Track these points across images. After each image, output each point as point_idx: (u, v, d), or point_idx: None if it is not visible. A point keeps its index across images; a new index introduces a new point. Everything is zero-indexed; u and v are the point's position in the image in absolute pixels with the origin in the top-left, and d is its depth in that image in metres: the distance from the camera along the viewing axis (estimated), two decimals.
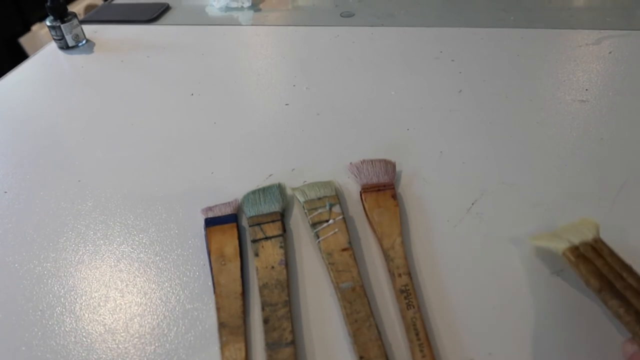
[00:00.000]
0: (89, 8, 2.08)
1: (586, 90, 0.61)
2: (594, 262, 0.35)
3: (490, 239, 0.43)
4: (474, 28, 0.76)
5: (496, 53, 0.70)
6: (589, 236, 0.38)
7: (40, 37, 1.89)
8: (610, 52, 0.67)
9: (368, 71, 0.68)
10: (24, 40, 1.87)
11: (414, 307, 0.37)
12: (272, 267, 0.41)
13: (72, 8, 1.97)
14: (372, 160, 0.51)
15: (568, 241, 0.38)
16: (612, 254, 0.36)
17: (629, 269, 0.34)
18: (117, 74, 0.73)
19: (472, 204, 0.47)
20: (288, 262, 0.42)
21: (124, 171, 0.54)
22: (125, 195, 0.51)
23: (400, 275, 0.39)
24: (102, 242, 0.46)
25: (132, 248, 0.45)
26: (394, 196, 0.46)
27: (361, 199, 0.47)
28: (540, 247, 0.41)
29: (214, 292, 0.40)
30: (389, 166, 0.50)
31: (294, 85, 0.66)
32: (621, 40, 0.70)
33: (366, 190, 0.47)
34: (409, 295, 0.38)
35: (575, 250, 0.37)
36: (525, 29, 0.75)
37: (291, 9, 0.90)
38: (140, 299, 0.41)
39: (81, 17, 1.94)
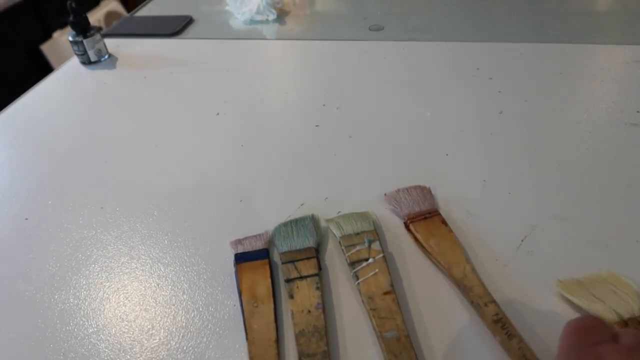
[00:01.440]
0: (109, 15, 2.09)
1: (638, 112, 0.57)
2: None
3: (544, 281, 0.40)
4: (511, 43, 0.73)
5: (537, 70, 0.66)
6: (634, 308, 0.35)
7: (61, 43, 1.89)
8: None
9: (401, 89, 0.65)
10: (46, 48, 1.87)
11: (515, 336, 0.34)
12: (309, 311, 0.38)
13: (93, 15, 1.98)
14: (407, 188, 0.48)
15: (614, 312, 0.35)
16: None
17: None
18: (141, 91, 0.71)
19: (522, 240, 0.43)
20: (325, 305, 0.39)
21: (148, 198, 0.52)
22: (149, 224, 0.49)
23: (486, 304, 0.36)
24: (126, 277, 0.44)
25: (158, 284, 0.43)
26: (444, 222, 0.43)
27: (409, 230, 0.44)
28: (574, 302, 0.37)
29: (246, 338, 0.37)
30: (426, 192, 0.47)
31: (324, 105, 0.63)
32: None
33: (413, 220, 0.44)
34: (504, 324, 0.34)
35: (624, 326, 0.34)
36: (565, 44, 0.71)
37: (317, 23, 0.87)
38: (168, 342, 0.38)
39: (101, 24, 1.92)
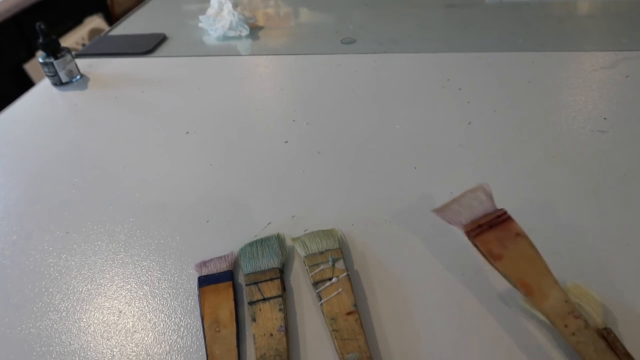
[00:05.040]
0: (93, 32, 2.08)
1: (605, 119, 0.57)
2: None
3: (511, 296, 0.39)
4: (481, 53, 0.73)
5: (506, 80, 0.66)
6: (598, 321, 0.35)
7: None
8: (627, 77, 0.64)
9: (371, 103, 0.65)
10: (29, 67, 1.86)
11: None
12: (271, 335, 0.37)
13: (77, 33, 1.98)
14: (456, 199, 0.39)
15: None
16: (627, 353, 0.33)
17: None
18: (111, 111, 0.70)
19: None
20: (288, 328, 0.38)
21: (114, 221, 0.51)
22: (115, 248, 0.48)
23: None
24: (88, 305, 0.43)
25: (121, 311, 0.42)
26: (520, 232, 0.36)
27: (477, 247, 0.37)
28: (535, 315, 0.37)
29: None
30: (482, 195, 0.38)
31: (294, 121, 0.63)
32: (637, 63, 0.66)
33: (474, 231, 0.36)
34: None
35: None
36: (535, 52, 0.72)
37: (290, 37, 0.87)
38: None
39: (85, 41, 1.92)
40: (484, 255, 0.36)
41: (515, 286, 0.34)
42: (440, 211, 0.39)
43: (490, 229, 0.36)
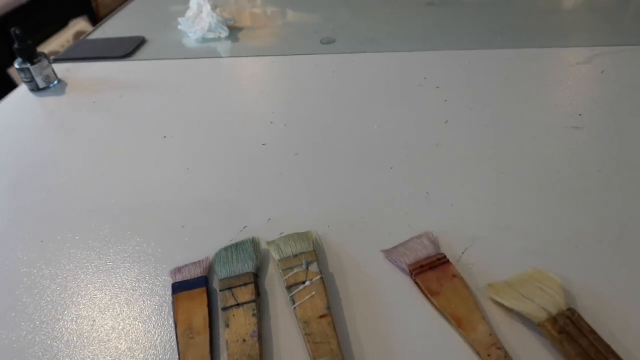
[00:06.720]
0: (78, 35, 2.06)
1: (580, 115, 0.57)
2: (578, 342, 0.33)
3: (483, 294, 0.39)
4: (459, 51, 0.73)
5: (483, 77, 0.66)
6: (561, 303, 0.36)
7: None
8: (602, 72, 0.64)
9: (349, 103, 0.65)
10: (13, 71, 1.85)
11: None
12: (244, 341, 0.37)
13: (62, 36, 1.96)
14: (405, 242, 0.44)
15: (544, 310, 0.35)
16: (593, 331, 0.34)
17: (612, 352, 0.33)
18: (89, 117, 0.70)
19: (463, 253, 0.43)
20: (262, 333, 0.38)
21: (89, 229, 0.51)
22: (89, 258, 0.48)
23: None
24: (62, 315, 0.42)
25: (95, 320, 0.42)
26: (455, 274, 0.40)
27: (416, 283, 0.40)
28: (504, 305, 0.38)
29: None
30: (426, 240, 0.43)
31: (272, 123, 0.63)
32: (612, 58, 0.67)
33: (417, 269, 0.40)
34: None
35: (554, 323, 0.34)
36: (512, 49, 0.72)
37: (270, 38, 0.87)
38: None
39: (71, 44, 1.91)
40: (423, 292, 0.39)
41: (448, 319, 0.37)
42: (388, 253, 0.43)
43: (431, 269, 0.40)
